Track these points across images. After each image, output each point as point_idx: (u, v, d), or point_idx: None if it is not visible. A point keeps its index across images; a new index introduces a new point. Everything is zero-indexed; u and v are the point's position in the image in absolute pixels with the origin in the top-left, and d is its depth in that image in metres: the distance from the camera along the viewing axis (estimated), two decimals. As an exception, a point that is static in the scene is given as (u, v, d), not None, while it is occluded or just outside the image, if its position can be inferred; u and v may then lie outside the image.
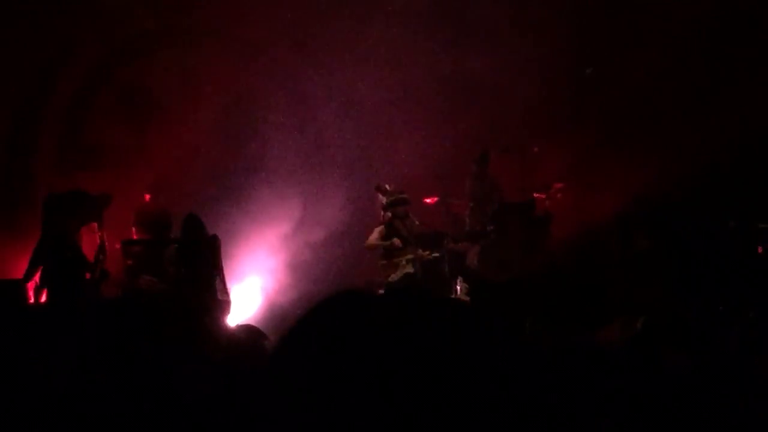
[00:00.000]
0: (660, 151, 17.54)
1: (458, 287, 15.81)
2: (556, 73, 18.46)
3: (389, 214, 15.71)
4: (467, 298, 15.52)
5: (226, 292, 15.34)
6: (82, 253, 15.06)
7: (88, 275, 15.02)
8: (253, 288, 17.89)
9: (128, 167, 17.86)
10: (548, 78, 18.43)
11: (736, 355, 8.45)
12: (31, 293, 15.14)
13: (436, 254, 16.39)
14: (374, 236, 15.49)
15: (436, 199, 18.11)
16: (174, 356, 8.61)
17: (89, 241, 15.95)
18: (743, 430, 7.13)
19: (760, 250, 16.12)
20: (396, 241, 15.36)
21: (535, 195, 18.22)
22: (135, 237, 17.70)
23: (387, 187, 16.24)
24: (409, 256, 15.53)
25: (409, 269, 15.50)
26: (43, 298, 14.86)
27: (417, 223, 16.03)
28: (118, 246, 17.32)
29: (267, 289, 18.01)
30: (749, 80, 17.74)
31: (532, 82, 18.50)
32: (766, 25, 17.78)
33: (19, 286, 15.16)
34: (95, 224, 15.40)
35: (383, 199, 16.07)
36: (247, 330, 13.91)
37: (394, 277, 15.46)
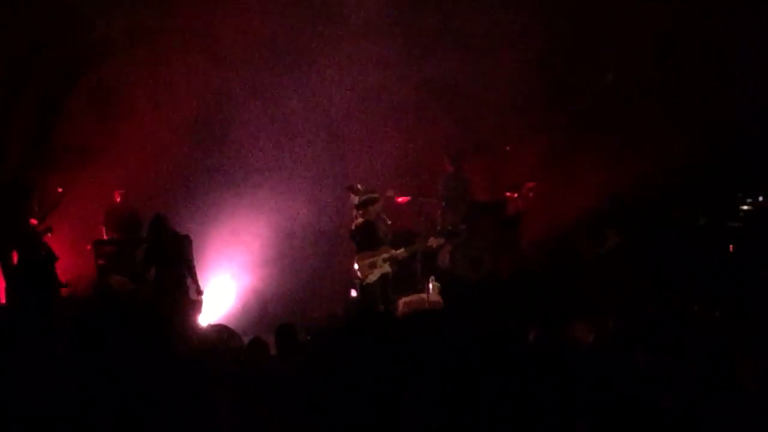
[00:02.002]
0: (631, 149, 17.64)
1: (430, 286, 15.82)
2: (528, 75, 18.48)
3: (361, 212, 15.74)
4: (439, 297, 15.54)
5: (197, 292, 15.32)
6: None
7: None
8: (225, 287, 17.87)
9: (98, 167, 17.81)
10: (520, 80, 18.46)
11: (705, 354, 8.52)
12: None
13: (413, 251, 16.38)
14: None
15: (408, 198, 18.12)
16: (144, 354, 8.63)
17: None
18: (713, 427, 7.19)
19: (730, 248, 16.20)
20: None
21: (506, 194, 18.27)
22: (105, 237, 17.70)
23: (359, 186, 16.26)
24: (385, 256, 15.54)
25: (386, 269, 15.52)
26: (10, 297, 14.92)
27: (389, 222, 16.05)
28: (89, 246, 17.31)
29: (239, 289, 18.00)
30: (719, 78, 17.84)
31: (504, 83, 18.55)
32: (737, 25, 17.89)
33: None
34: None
35: (355, 199, 16.09)
36: (219, 329, 13.96)
37: (372, 277, 15.47)
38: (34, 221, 16.03)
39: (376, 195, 15.90)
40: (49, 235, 16.11)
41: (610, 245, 16.12)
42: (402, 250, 15.77)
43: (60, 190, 17.19)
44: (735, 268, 15.23)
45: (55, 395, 7.90)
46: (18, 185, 15.75)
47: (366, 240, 15.61)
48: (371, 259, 15.51)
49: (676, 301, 12.89)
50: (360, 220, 15.74)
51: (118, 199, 18.09)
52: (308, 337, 12.38)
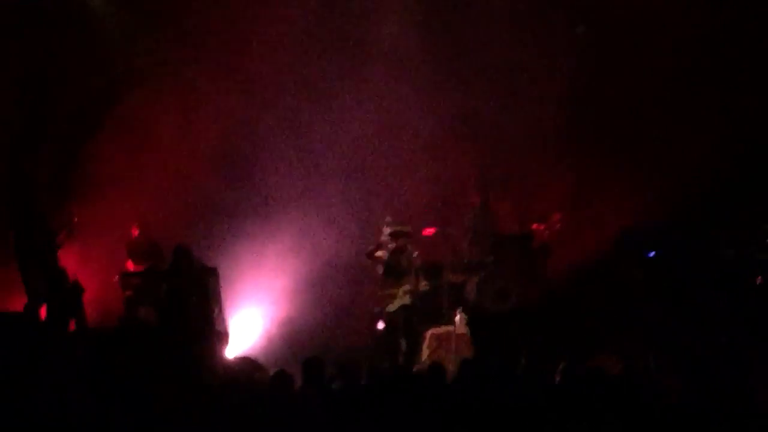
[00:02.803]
0: (658, 179, 17.59)
1: (457, 318, 15.79)
2: (554, 106, 18.47)
3: (393, 244, 15.80)
4: (466, 329, 15.51)
5: (224, 323, 15.32)
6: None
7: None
8: (252, 319, 17.87)
9: (124, 197, 17.84)
10: (546, 111, 18.45)
11: (731, 382, 8.48)
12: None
13: (436, 283, 16.37)
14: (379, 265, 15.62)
15: (435, 230, 18.08)
16: (170, 386, 8.63)
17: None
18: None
19: (759, 280, 16.11)
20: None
21: (533, 226, 18.22)
22: (131, 269, 17.72)
23: (388, 219, 16.29)
24: (407, 287, 15.51)
25: (406, 300, 15.49)
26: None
27: (416, 254, 16.04)
28: (116, 278, 17.34)
29: (266, 321, 18.00)
30: (748, 104, 17.77)
31: (530, 115, 18.54)
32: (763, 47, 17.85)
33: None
34: None
35: (387, 231, 16.14)
36: (244, 362, 13.96)
37: (391, 307, 15.45)
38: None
39: (406, 229, 15.94)
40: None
41: (635, 280, 16.09)
42: (424, 282, 15.75)
43: (73, 212, 17.24)
44: (762, 299, 15.18)
45: (79, 426, 7.91)
46: (41, 214, 15.81)
47: (389, 271, 15.60)
48: (392, 290, 15.49)
49: (704, 332, 12.85)
50: (383, 251, 15.75)
51: (136, 232, 18.10)
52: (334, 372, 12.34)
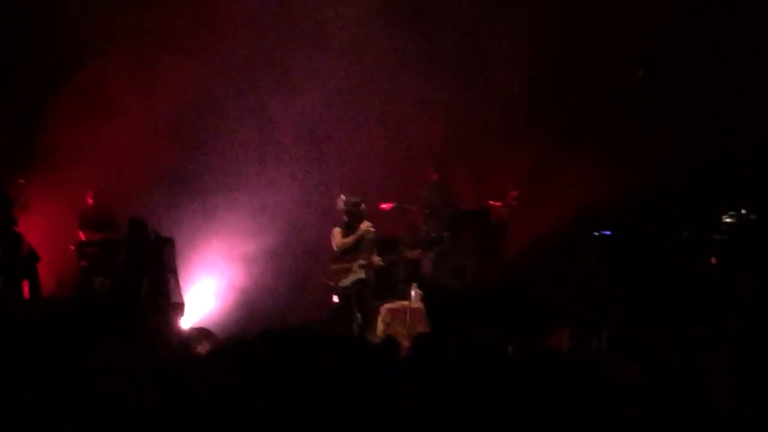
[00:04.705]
0: (616, 159, 17.70)
1: (412, 293, 15.84)
2: (515, 85, 18.54)
3: (346, 218, 15.77)
4: (421, 304, 15.56)
5: (179, 294, 15.29)
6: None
7: None
8: (208, 290, 17.85)
9: (82, 168, 17.74)
10: (506, 90, 18.53)
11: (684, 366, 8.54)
12: None
13: (392, 258, 16.43)
14: (338, 238, 15.52)
15: (391, 205, 18.10)
16: (124, 357, 8.62)
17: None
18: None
19: (713, 261, 16.22)
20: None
21: (490, 203, 18.29)
22: (84, 238, 17.64)
23: (342, 196, 16.21)
24: (362, 262, 15.50)
25: (361, 274, 15.47)
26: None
27: (372, 229, 16.01)
28: (72, 247, 17.26)
29: (223, 292, 17.99)
30: (704, 91, 17.89)
31: (491, 94, 18.60)
32: (719, 38, 17.96)
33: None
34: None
35: (342, 205, 16.10)
36: (199, 332, 13.95)
37: (345, 282, 15.43)
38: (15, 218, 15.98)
39: (358, 200, 15.90)
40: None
41: (590, 262, 16.17)
42: (379, 258, 15.75)
43: (21, 181, 17.17)
44: (717, 280, 15.28)
45: (31, 396, 7.88)
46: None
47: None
48: (346, 264, 15.47)
49: (658, 314, 12.92)
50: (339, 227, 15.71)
51: (90, 201, 17.98)
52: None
